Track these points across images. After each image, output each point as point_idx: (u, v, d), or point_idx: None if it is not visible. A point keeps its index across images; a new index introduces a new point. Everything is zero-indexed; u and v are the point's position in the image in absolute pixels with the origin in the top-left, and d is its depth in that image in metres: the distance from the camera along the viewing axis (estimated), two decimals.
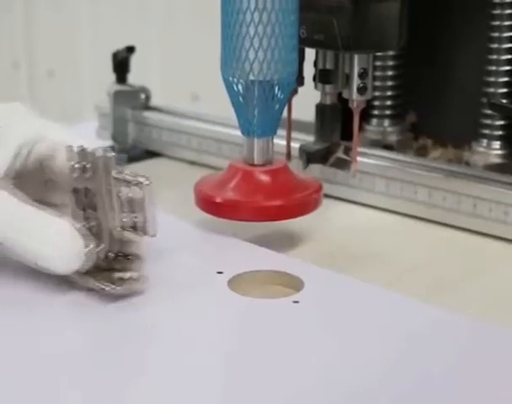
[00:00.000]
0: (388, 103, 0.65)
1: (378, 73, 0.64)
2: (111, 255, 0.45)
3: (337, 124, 0.56)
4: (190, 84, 1.09)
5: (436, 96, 0.64)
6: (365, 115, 0.64)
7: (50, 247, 0.43)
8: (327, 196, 0.57)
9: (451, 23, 0.62)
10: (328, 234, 0.54)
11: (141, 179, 0.43)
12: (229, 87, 0.50)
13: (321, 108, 0.56)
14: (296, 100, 0.56)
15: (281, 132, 0.56)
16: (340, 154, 0.56)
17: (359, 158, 0.57)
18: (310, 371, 0.37)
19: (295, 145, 0.57)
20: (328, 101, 0.55)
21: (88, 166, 0.43)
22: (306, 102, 0.56)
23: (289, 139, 0.57)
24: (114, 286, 0.43)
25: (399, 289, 0.46)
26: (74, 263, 0.43)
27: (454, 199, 0.55)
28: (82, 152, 0.44)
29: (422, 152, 0.64)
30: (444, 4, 0.62)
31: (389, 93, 0.64)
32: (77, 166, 0.44)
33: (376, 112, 0.65)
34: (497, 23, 0.58)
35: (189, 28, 1.08)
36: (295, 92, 0.55)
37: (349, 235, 0.54)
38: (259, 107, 0.49)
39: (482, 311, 0.44)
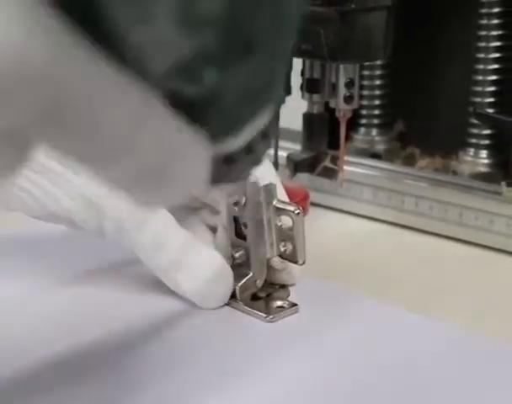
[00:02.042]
0: (376, 112, 0.65)
1: (366, 82, 0.64)
2: (259, 283, 0.45)
3: (324, 133, 0.56)
4: None
5: (424, 105, 0.64)
6: (353, 124, 0.64)
7: (201, 282, 0.43)
8: (314, 205, 0.58)
9: (439, 32, 0.63)
10: (314, 242, 0.54)
11: (291, 208, 0.43)
12: None
13: (308, 118, 0.56)
14: (283, 109, 0.57)
15: None
16: (327, 163, 0.56)
17: (346, 167, 0.57)
18: (286, 377, 0.37)
19: (282, 153, 0.58)
20: (316, 110, 0.56)
21: (247, 196, 0.43)
22: (293, 111, 0.57)
23: (276, 147, 0.57)
24: (272, 316, 0.43)
25: (386, 297, 0.46)
26: (222, 301, 0.44)
27: (440, 208, 0.56)
28: (244, 183, 0.43)
29: (409, 161, 0.64)
30: (431, 14, 0.62)
31: (377, 102, 0.65)
32: (237, 196, 0.44)
33: (363, 121, 0.65)
34: (484, 33, 0.58)
35: None
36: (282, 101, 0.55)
37: (336, 243, 0.55)
38: None
39: (469, 320, 0.44)
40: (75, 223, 0.42)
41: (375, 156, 0.64)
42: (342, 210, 0.60)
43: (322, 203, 0.60)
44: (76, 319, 0.43)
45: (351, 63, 0.52)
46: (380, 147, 0.65)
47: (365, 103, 0.64)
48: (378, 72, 0.64)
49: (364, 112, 0.65)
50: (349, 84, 0.53)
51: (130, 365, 0.38)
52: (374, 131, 0.65)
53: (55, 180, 0.41)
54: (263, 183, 0.43)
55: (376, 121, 0.65)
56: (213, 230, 0.48)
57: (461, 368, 0.38)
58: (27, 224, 0.51)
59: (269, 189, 0.44)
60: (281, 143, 0.58)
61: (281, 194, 0.45)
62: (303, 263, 0.44)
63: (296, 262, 0.44)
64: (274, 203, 0.44)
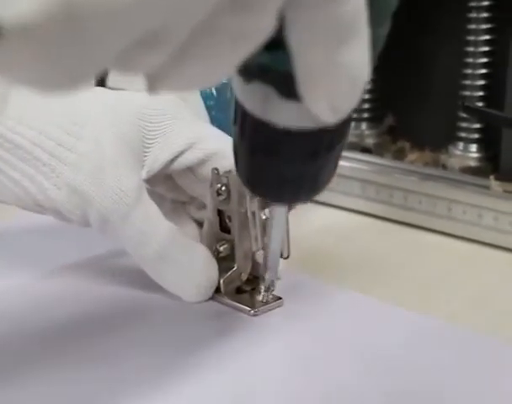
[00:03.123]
0: (366, 106, 0.65)
1: None
2: (244, 276, 0.45)
3: None
4: None
5: (414, 99, 0.64)
6: None
7: (186, 275, 0.43)
8: None
9: (428, 26, 0.62)
10: (302, 236, 0.54)
11: None
12: (202, 89, 0.50)
13: None
14: None
15: None
16: None
17: None
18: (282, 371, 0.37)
19: None
20: None
21: (231, 189, 0.43)
22: None
23: None
24: (256, 309, 0.43)
25: (374, 292, 0.45)
26: (207, 294, 0.44)
27: (429, 202, 0.55)
28: (227, 175, 0.43)
29: (399, 155, 0.64)
30: (421, 7, 0.62)
31: (366, 96, 0.64)
32: (223, 188, 0.43)
33: (353, 115, 0.65)
34: (473, 26, 0.58)
35: None
36: None
37: (324, 237, 0.54)
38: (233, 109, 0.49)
39: (455, 314, 0.44)
40: (62, 214, 0.42)
41: (365, 150, 0.64)
42: (329, 204, 0.60)
43: None
44: (63, 311, 0.43)
45: None
46: (370, 141, 0.65)
47: None
48: None
49: None
50: None
51: (110, 362, 0.38)
52: (364, 125, 0.65)
53: (41, 170, 0.41)
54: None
55: (365, 115, 0.65)
56: (200, 225, 0.47)
57: (456, 363, 0.38)
58: (14, 216, 0.51)
59: None
60: None
61: None
62: (288, 256, 0.44)
63: (280, 255, 0.44)
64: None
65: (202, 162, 0.44)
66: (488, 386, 0.36)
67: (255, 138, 0.30)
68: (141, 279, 0.44)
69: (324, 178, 0.32)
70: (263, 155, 0.30)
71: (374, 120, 0.65)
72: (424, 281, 0.48)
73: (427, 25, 0.62)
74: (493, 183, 0.53)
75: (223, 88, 0.49)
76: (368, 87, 0.64)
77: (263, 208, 0.43)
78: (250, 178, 0.32)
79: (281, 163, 0.30)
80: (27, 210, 0.44)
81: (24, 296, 0.45)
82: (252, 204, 0.43)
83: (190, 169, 0.45)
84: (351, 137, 0.64)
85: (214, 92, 0.49)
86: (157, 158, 0.44)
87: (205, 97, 0.50)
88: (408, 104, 0.64)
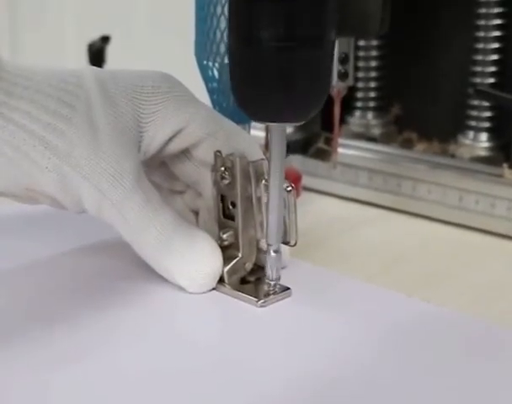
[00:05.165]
0: (372, 94, 0.63)
1: (361, 64, 0.62)
2: (249, 266, 0.42)
3: (317, 113, 0.54)
4: None
5: (421, 87, 0.62)
6: (348, 107, 0.62)
7: (188, 264, 0.40)
8: (307, 189, 0.55)
9: (437, 13, 0.60)
10: (308, 227, 0.52)
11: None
12: (204, 71, 0.48)
13: None
14: None
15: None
16: (321, 144, 0.54)
17: (340, 150, 0.55)
18: (293, 363, 0.35)
19: None
20: None
21: (235, 172, 0.41)
22: None
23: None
24: (263, 300, 0.40)
25: (382, 282, 0.44)
26: (210, 284, 0.41)
27: (439, 192, 0.53)
28: (229, 158, 0.41)
29: (406, 146, 0.62)
30: None
31: (372, 85, 0.62)
32: (227, 172, 0.41)
33: (359, 104, 0.63)
34: (483, 10, 0.56)
35: (175, 32, 1.06)
36: None
37: (331, 228, 0.52)
38: None
39: (468, 305, 0.42)
40: (55, 199, 0.40)
41: (370, 140, 0.61)
42: (336, 195, 0.58)
43: (316, 187, 0.57)
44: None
45: (345, 37, 0.50)
46: (376, 131, 0.63)
47: (360, 85, 0.62)
48: (374, 53, 0.62)
49: (359, 95, 0.63)
50: (344, 60, 0.50)
51: (110, 355, 0.36)
52: (370, 115, 0.63)
53: (34, 149, 0.39)
54: (251, 158, 0.41)
55: (371, 104, 0.63)
56: (196, 214, 0.45)
57: (460, 354, 0.36)
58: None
59: (259, 166, 0.41)
60: None
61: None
62: (295, 244, 0.41)
63: (287, 243, 0.41)
64: (264, 180, 0.41)
65: (198, 143, 0.42)
66: (495, 377, 0.34)
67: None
68: (140, 268, 0.42)
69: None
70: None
71: (380, 110, 0.63)
72: (435, 272, 0.46)
73: (436, 12, 0.60)
74: (507, 171, 0.51)
75: (226, 70, 0.46)
76: (374, 75, 0.62)
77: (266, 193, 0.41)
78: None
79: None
80: (20, 201, 0.42)
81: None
82: (257, 188, 0.41)
83: (185, 153, 0.43)
84: (357, 127, 0.63)
85: (216, 74, 0.47)
86: (153, 139, 0.41)
87: (207, 79, 0.48)
88: (415, 93, 0.62)
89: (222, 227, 0.42)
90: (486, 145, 0.57)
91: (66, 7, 1.19)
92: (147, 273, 0.42)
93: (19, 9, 1.26)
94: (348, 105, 0.61)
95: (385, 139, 0.62)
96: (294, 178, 0.50)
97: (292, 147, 0.53)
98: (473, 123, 0.58)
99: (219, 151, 0.41)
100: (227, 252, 0.42)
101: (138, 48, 1.09)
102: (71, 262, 0.45)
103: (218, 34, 0.46)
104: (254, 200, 0.41)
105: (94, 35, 0.89)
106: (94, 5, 1.15)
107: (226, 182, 0.41)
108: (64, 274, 0.44)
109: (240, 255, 0.42)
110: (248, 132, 0.49)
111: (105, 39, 0.66)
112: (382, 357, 0.36)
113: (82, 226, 0.47)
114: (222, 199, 0.42)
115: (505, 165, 0.51)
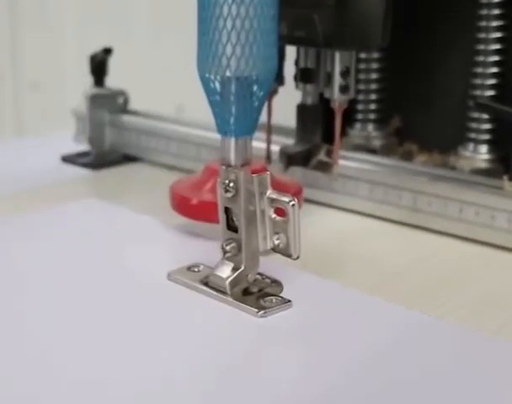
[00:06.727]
0: (372, 106, 0.63)
1: (362, 76, 0.62)
2: (251, 277, 0.43)
3: (318, 125, 0.54)
4: (175, 96, 1.07)
5: (421, 100, 0.62)
6: (349, 119, 0.62)
7: None
8: (308, 201, 0.56)
9: (437, 25, 0.61)
10: (309, 238, 0.52)
11: (286, 199, 0.41)
12: (206, 84, 0.48)
13: (302, 109, 0.54)
14: (276, 101, 0.55)
15: (261, 135, 0.54)
16: (322, 156, 0.54)
17: (341, 162, 0.55)
18: (290, 374, 0.35)
19: (275, 148, 0.56)
20: (310, 101, 0.54)
21: (239, 185, 0.41)
22: (287, 103, 0.55)
23: (268, 140, 0.55)
24: (264, 311, 0.41)
25: (382, 294, 0.44)
26: None
27: (439, 204, 0.53)
28: (233, 170, 0.41)
29: (407, 158, 0.62)
30: (429, 6, 0.61)
31: (373, 97, 0.63)
32: (231, 185, 0.41)
33: (359, 116, 0.63)
34: (483, 23, 0.57)
35: (175, 38, 1.06)
36: (275, 92, 0.53)
37: (331, 240, 0.53)
38: (237, 105, 0.47)
39: (467, 317, 0.42)
40: None
41: (371, 152, 0.62)
42: (336, 207, 0.58)
43: (316, 199, 0.58)
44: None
45: (347, 50, 0.50)
46: (376, 143, 0.63)
47: (361, 97, 0.62)
48: (375, 66, 0.62)
49: (360, 107, 0.63)
50: (345, 73, 0.51)
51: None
52: (370, 127, 0.63)
53: None
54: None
55: (372, 116, 0.63)
56: None
57: (456, 366, 0.36)
58: None
59: (263, 179, 0.41)
60: (274, 138, 0.56)
61: None
62: (297, 257, 0.42)
63: (289, 256, 0.42)
64: (268, 193, 0.41)
65: None
66: (488, 387, 0.35)
67: None
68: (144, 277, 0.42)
69: None
70: None
71: (381, 122, 0.63)
72: (436, 284, 0.46)
73: (436, 24, 0.61)
74: (507, 183, 0.51)
75: (228, 83, 0.47)
76: (374, 88, 0.63)
77: (272, 206, 0.41)
78: None
79: None
80: None
81: None
82: (261, 201, 0.41)
83: None
84: (358, 139, 0.63)
85: (218, 86, 0.47)
86: None
87: (209, 92, 0.48)
88: (416, 105, 0.63)
89: (226, 239, 0.42)
90: (486, 157, 0.58)
91: (67, 7, 1.20)
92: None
93: (19, 9, 1.26)
94: (348, 117, 0.61)
95: (385, 151, 0.62)
96: (295, 190, 0.50)
97: (293, 160, 0.54)
98: (473, 135, 0.58)
99: (224, 165, 0.41)
100: (230, 263, 0.42)
101: (139, 49, 1.09)
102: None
103: (220, 48, 0.46)
104: (258, 213, 0.41)
105: (94, 36, 0.89)
106: (94, 5, 1.15)
107: (230, 195, 0.41)
108: None
109: (243, 267, 0.42)
110: (250, 144, 0.49)
111: (107, 51, 0.66)
112: (382, 369, 0.36)
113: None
114: (226, 211, 0.42)
115: (505, 177, 0.52)
